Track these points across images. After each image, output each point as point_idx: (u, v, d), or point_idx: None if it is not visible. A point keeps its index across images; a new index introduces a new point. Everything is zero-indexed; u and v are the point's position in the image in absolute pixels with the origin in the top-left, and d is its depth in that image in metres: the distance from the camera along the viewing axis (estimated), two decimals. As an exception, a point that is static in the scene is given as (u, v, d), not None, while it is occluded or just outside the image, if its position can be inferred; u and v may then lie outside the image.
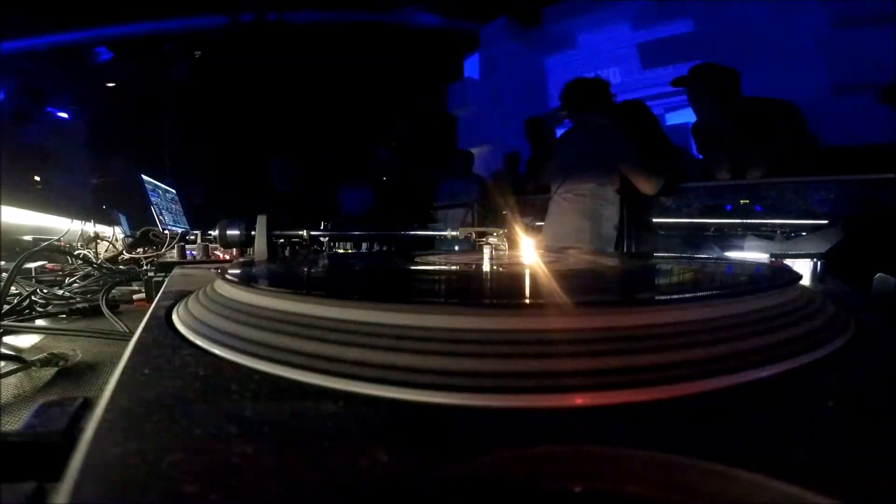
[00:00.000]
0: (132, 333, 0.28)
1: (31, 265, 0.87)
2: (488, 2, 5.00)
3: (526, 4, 4.92)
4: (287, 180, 2.75)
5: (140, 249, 1.00)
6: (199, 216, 2.15)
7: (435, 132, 5.13)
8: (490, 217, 2.39)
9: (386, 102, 4.89)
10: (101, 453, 0.13)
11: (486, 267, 0.42)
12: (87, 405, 0.18)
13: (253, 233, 0.71)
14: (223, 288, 0.30)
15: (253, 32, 4.43)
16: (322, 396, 0.17)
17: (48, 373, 0.37)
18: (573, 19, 4.81)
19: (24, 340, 0.48)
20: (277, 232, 0.74)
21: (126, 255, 1.00)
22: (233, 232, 0.72)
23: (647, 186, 1.72)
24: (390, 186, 4.24)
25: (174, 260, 0.72)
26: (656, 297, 0.26)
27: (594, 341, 0.19)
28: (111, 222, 1.57)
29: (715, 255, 1.51)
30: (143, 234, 0.98)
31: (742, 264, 0.50)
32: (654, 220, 1.85)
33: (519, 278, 0.37)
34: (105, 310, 0.56)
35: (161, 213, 1.63)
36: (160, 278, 0.56)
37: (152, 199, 1.62)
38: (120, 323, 0.51)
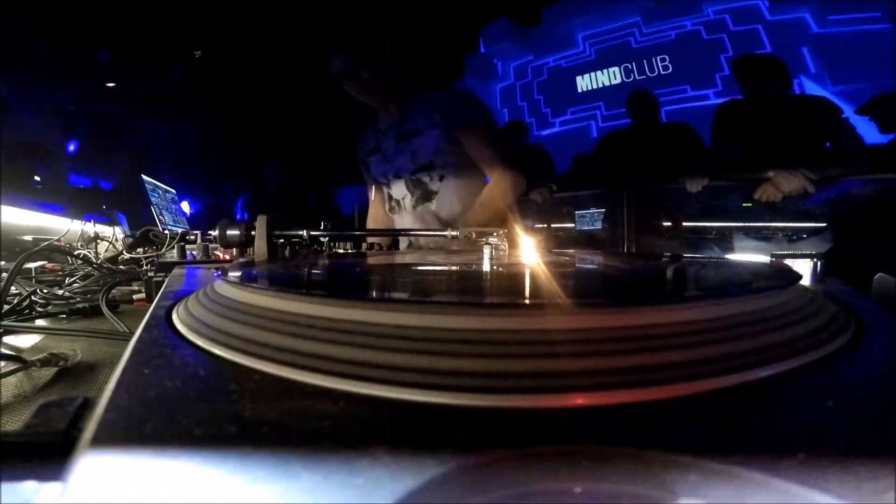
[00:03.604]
0: (132, 333, 0.28)
1: (31, 265, 0.87)
2: (488, 2, 4.99)
3: (526, 4, 4.92)
4: (280, 180, 2.78)
5: (140, 249, 1.00)
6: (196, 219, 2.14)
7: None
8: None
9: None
10: (101, 453, 0.13)
11: (485, 267, 0.42)
12: (87, 405, 0.18)
13: (253, 233, 0.71)
14: (223, 288, 0.30)
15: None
16: (322, 396, 0.17)
17: (48, 373, 0.37)
18: (573, 19, 4.82)
19: (24, 340, 0.48)
20: (277, 232, 0.73)
21: (126, 255, 1.00)
22: (233, 232, 0.72)
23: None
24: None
25: (174, 260, 0.72)
26: (656, 297, 0.26)
27: (594, 341, 0.19)
28: (111, 222, 1.57)
29: (715, 256, 1.51)
30: (143, 234, 0.98)
31: (742, 265, 0.50)
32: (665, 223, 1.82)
33: (518, 278, 0.37)
34: (105, 310, 0.56)
35: (161, 213, 1.63)
36: (160, 278, 0.56)
37: (152, 199, 1.62)
38: (120, 323, 0.51)
